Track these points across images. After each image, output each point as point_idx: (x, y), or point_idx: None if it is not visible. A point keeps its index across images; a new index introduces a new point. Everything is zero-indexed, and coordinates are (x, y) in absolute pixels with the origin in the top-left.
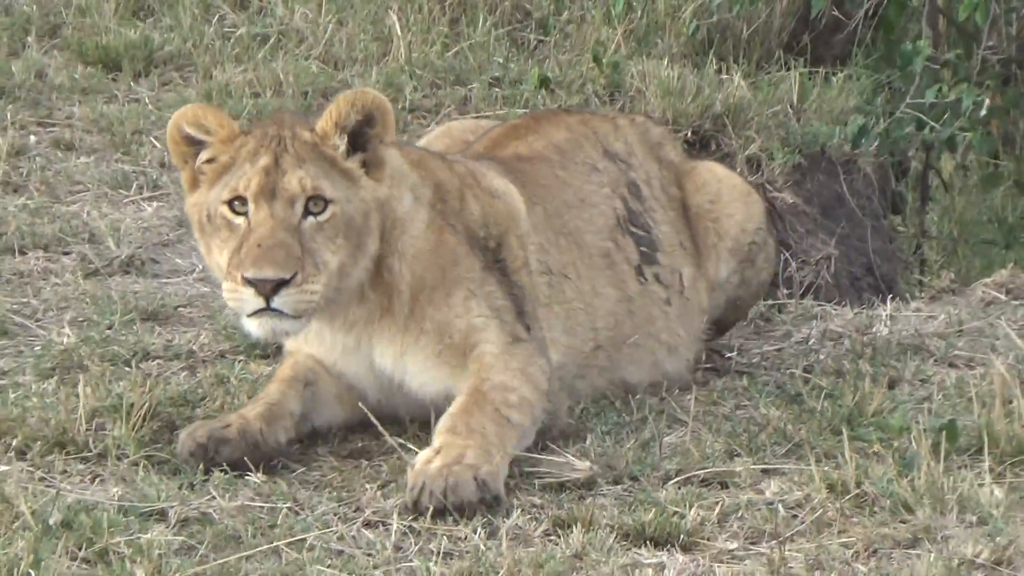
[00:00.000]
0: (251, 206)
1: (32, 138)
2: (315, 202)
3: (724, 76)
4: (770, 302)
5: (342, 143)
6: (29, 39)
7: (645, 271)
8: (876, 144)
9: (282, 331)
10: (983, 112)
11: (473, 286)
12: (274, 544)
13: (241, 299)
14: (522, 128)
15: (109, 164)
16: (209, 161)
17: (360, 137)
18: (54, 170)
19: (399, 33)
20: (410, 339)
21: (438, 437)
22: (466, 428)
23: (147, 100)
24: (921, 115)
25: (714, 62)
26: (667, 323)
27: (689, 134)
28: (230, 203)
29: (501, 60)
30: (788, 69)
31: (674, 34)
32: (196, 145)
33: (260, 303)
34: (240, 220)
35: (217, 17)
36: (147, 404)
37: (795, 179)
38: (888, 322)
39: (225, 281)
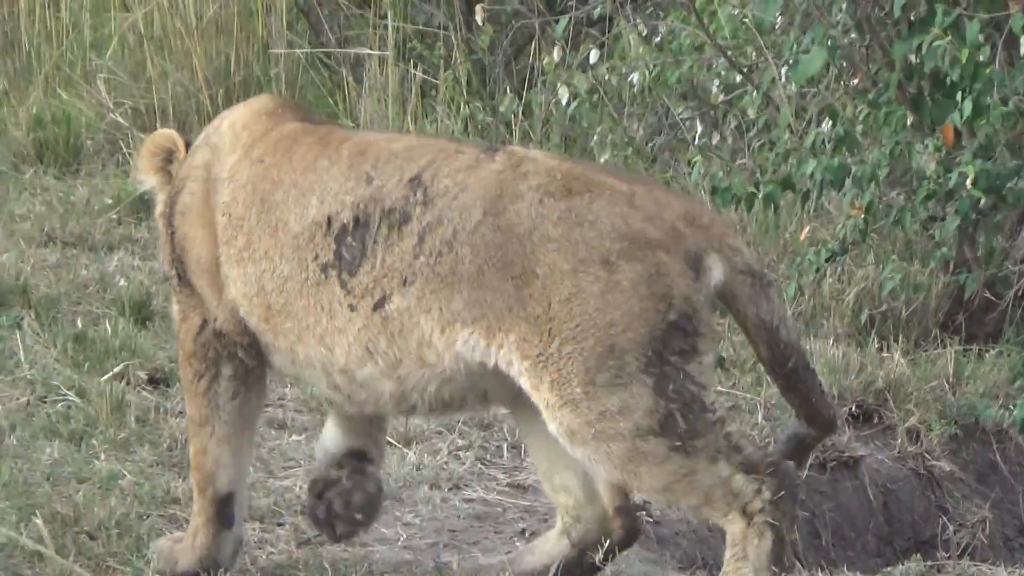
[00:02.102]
0: None
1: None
2: None
3: (885, 354)
4: (928, 563)
5: None
6: None
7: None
8: None
9: None
10: None
11: None
12: None
13: None
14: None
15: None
16: None
17: None
18: (268, 447)
19: None
20: None
21: None
22: None
23: None
24: None
25: (876, 341)
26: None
27: (853, 408)
28: None
29: None
30: (944, 346)
31: (838, 315)
32: None
33: None
34: None
35: None
36: None
37: (951, 448)
38: None
39: None
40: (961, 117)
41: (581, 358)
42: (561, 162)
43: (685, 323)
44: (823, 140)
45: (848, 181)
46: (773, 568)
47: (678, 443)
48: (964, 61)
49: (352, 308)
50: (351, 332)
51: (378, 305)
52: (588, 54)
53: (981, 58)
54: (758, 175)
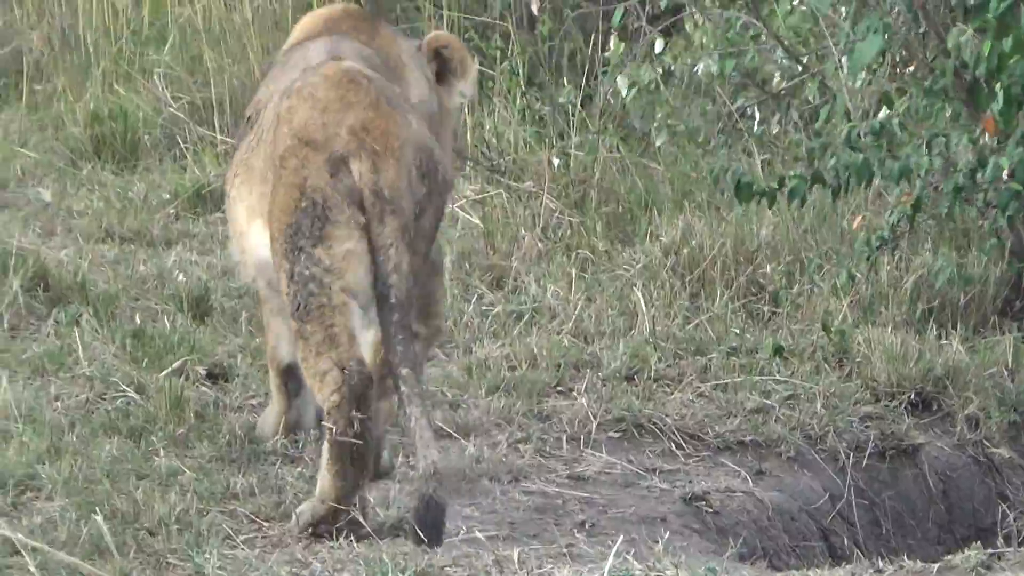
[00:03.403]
0: None
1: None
2: None
3: (943, 342)
4: (989, 551)
5: None
6: None
7: None
8: None
9: None
10: None
11: None
12: None
13: None
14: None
15: None
16: None
17: None
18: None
19: (643, 309)
20: None
21: None
22: None
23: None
24: None
25: (934, 328)
26: None
27: (912, 395)
28: None
29: (738, 331)
30: (1003, 333)
31: (896, 303)
32: None
33: None
34: None
35: (476, 296)
36: None
37: (1011, 435)
38: None
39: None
40: (997, 107)
41: (270, 247)
42: (342, 66)
43: (313, 210)
44: (859, 133)
45: (877, 176)
46: (334, 466)
47: (298, 325)
48: (987, 53)
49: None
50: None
51: (227, 193)
52: (653, 43)
53: (1005, 48)
54: (782, 169)
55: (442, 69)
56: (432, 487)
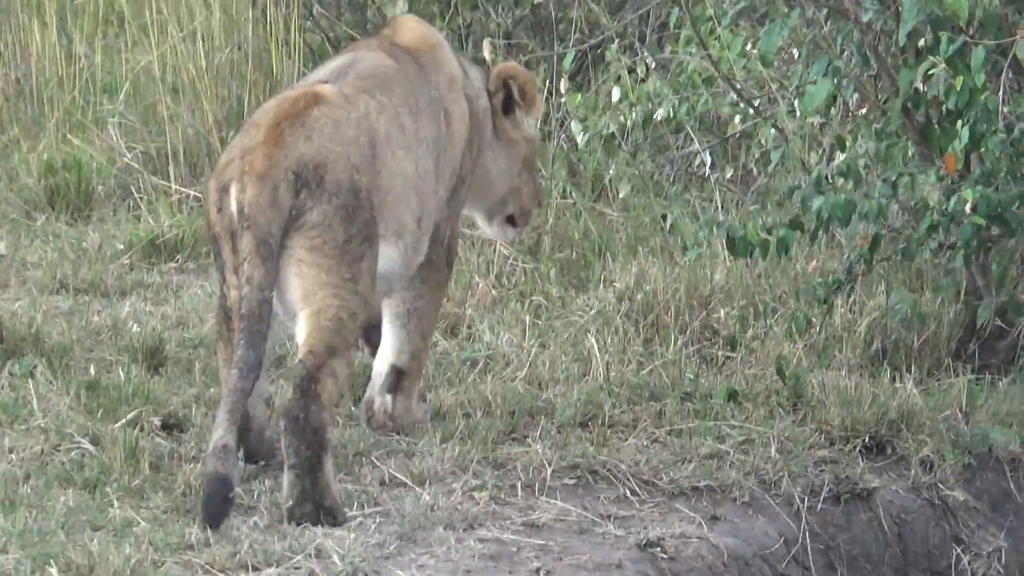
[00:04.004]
0: None
1: (263, 462)
2: None
3: (897, 384)
4: None
5: None
6: None
7: None
8: None
9: None
10: None
11: None
12: None
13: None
14: None
15: None
16: None
17: None
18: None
19: (598, 355)
20: None
21: None
22: None
23: (364, 428)
24: None
25: (888, 371)
26: None
27: (867, 439)
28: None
29: (692, 376)
30: (957, 376)
31: (851, 346)
32: None
33: None
34: None
35: (431, 344)
36: None
37: (965, 478)
38: None
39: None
40: (960, 145)
41: None
42: (296, 94)
43: (213, 244)
44: (827, 176)
45: (855, 217)
46: None
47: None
48: (959, 89)
49: None
50: None
51: None
52: (610, 92)
53: (977, 85)
54: (761, 217)
55: (508, 99)
56: (215, 463)
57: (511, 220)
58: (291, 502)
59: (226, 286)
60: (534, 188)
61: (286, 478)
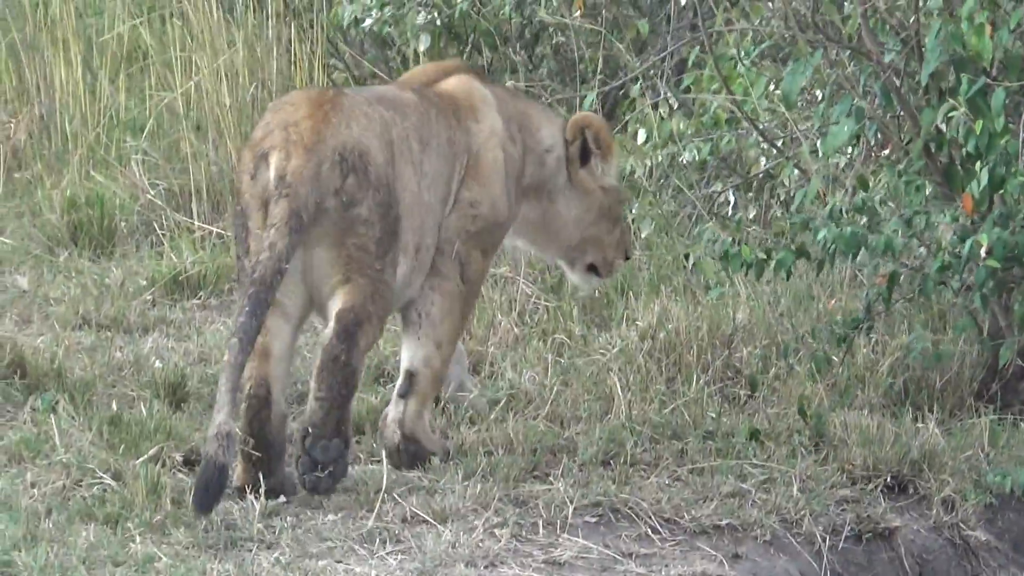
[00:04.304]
0: None
1: (283, 498)
2: None
3: (919, 424)
4: None
5: None
6: None
7: None
8: None
9: None
10: None
11: None
12: None
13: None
14: None
15: (355, 522)
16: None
17: None
18: (304, 528)
19: (620, 393)
20: None
21: None
22: None
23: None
24: None
25: (910, 411)
26: None
27: (888, 478)
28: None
29: (714, 415)
30: (979, 416)
31: (873, 386)
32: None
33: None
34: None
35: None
36: None
37: (987, 518)
38: None
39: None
40: (979, 187)
41: None
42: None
43: (239, 217)
44: (842, 209)
45: (864, 251)
46: None
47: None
48: (979, 132)
49: None
50: None
51: None
52: (636, 134)
53: (996, 128)
54: (770, 241)
55: (585, 148)
56: (215, 449)
57: (593, 269)
58: (313, 429)
59: (248, 258)
60: (618, 239)
61: (312, 407)
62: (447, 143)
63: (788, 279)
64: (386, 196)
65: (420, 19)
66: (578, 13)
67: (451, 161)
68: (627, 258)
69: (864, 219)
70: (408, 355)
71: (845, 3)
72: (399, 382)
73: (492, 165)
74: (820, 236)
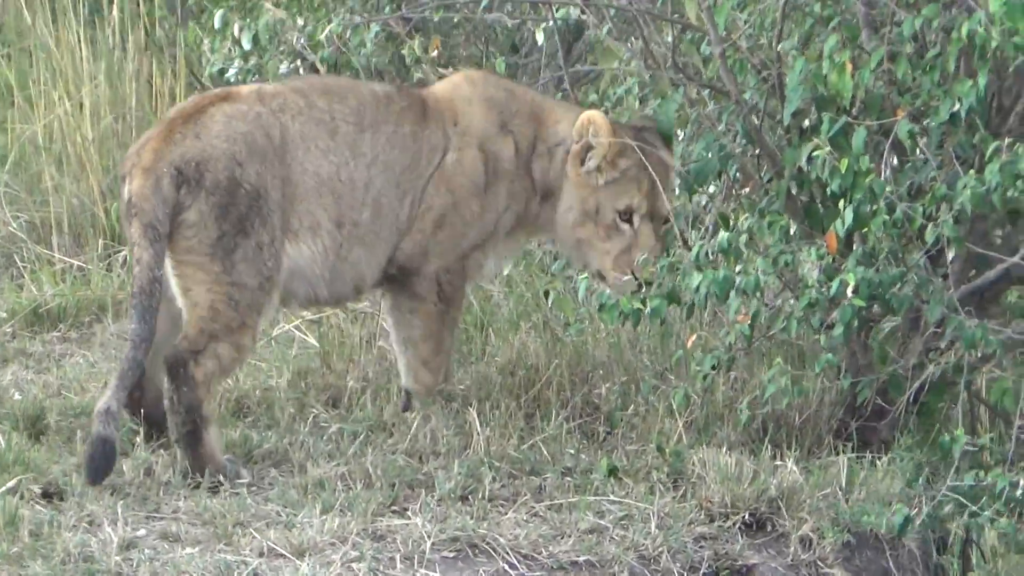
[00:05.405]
0: (637, 221)
1: (142, 531)
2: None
3: (778, 462)
4: None
5: None
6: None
7: None
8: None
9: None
10: (1020, 493)
11: None
12: None
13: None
14: None
15: (213, 554)
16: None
17: None
18: (162, 561)
19: (479, 428)
20: None
21: None
22: None
23: (246, 494)
24: (960, 498)
25: (769, 449)
26: None
27: (746, 516)
28: (620, 213)
29: (573, 451)
30: (837, 454)
31: (731, 424)
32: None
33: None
34: (626, 227)
35: (312, 416)
36: None
37: (845, 556)
38: None
39: (612, 270)
40: (843, 225)
41: None
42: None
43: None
44: (707, 252)
45: (733, 293)
46: None
47: None
48: (844, 171)
49: None
50: None
51: None
52: None
53: (862, 167)
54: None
55: (587, 148)
56: (97, 425)
57: (602, 277)
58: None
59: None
60: (618, 252)
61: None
62: (410, 135)
63: (662, 325)
64: (224, 197)
65: (283, 68)
66: (435, 52)
67: (415, 154)
68: (635, 277)
69: (731, 260)
70: (403, 374)
71: (702, 45)
72: (401, 399)
73: (457, 167)
74: (695, 282)
